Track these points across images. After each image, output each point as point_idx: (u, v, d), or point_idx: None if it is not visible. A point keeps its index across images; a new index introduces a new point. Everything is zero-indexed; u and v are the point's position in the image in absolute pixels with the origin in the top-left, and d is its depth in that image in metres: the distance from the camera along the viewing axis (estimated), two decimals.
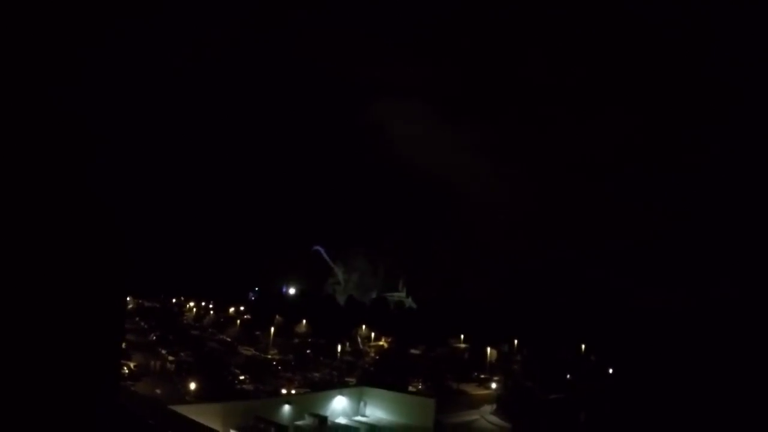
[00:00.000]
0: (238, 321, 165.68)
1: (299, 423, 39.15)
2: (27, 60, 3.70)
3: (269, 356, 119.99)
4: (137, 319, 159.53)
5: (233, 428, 34.56)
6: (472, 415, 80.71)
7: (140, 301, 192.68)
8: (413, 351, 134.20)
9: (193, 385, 78.74)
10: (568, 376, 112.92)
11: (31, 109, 3.80)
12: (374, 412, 44.71)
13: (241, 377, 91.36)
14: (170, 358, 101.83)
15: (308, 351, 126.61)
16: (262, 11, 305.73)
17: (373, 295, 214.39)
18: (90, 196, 3.88)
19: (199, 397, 71.29)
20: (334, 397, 44.47)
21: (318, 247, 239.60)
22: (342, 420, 42.72)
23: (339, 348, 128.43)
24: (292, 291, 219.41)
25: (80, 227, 3.86)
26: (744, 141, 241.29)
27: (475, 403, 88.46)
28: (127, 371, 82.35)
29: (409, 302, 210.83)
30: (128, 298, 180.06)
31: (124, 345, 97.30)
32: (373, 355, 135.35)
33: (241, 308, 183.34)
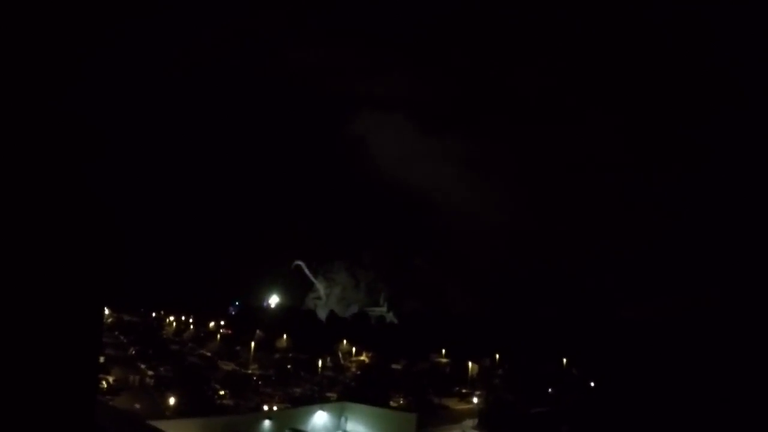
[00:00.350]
0: (219, 335, 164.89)
1: None
2: (27, 60, 3.59)
3: (249, 371, 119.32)
4: (116, 333, 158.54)
5: None
6: (454, 430, 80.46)
7: (119, 315, 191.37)
8: (394, 366, 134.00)
9: (172, 400, 78.06)
10: (550, 389, 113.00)
11: (31, 109, 3.67)
12: (355, 428, 44.42)
13: (221, 392, 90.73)
14: (149, 372, 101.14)
15: (289, 366, 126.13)
16: (247, 22, 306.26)
17: (354, 310, 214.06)
18: (84, 198, 3.76)
19: (178, 413, 70.60)
20: (314, 412, 44.14)
21: (299, 262, 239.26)
22: None
23: (320, 363, 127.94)
24: (273, 305, 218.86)
25: (61, 231, 3.73)
26: (738, 146, 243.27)
27: (457, 417, 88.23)
28: (105, 386, 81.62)
29: (390, 317, 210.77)
30: (107, 312, 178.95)
31: (102, 359, 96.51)
32: (354, 370, 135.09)
33: (222, 322, 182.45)
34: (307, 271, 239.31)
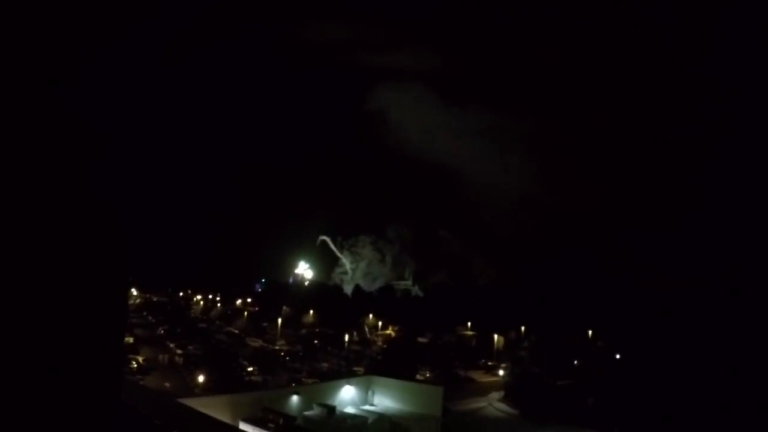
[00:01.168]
0: (246, 313, 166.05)
1: (308, 413, 39.30)
2: (27, 60, 3.72)
3: (277, 347, 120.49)
4: (145, 313, 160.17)
5: (242, 420, 34.72)
6: (480, 402, 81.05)
7: (147, 295, 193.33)
8: (420, 339, 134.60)
9: (201, 378, 79.13)
10: (576, 362, 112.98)
11: (31, 109, 3.82)
12: (382, 401, 44.88)
13: (249, 369, 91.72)
14: (178, 351, 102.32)
15: (316, 341, 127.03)
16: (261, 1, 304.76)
17: (380, 284, 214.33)
18: (89, 192, 3.90)
19: (207, 390, 71.65)
20: (342, 386, 44.62)
21: (324, 237, 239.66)
22: (350, 409, 42.88)
23: (346, 338, 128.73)
24: (305, 277, 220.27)
25: (79, 222, 3.88)
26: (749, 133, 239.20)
27: (483, 390, 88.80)
28: (135, 365, 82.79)
29: (415, 290, 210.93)
30: (135, 293, 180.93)
31: (132, 340, 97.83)
32: (380, 344, 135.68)
33: (248, 300, 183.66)
34: (332, 246, 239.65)
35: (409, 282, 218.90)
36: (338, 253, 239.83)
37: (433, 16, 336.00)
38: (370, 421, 40.80)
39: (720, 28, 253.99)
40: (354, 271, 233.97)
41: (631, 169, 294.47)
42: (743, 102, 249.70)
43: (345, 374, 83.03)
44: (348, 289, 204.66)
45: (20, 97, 3.65)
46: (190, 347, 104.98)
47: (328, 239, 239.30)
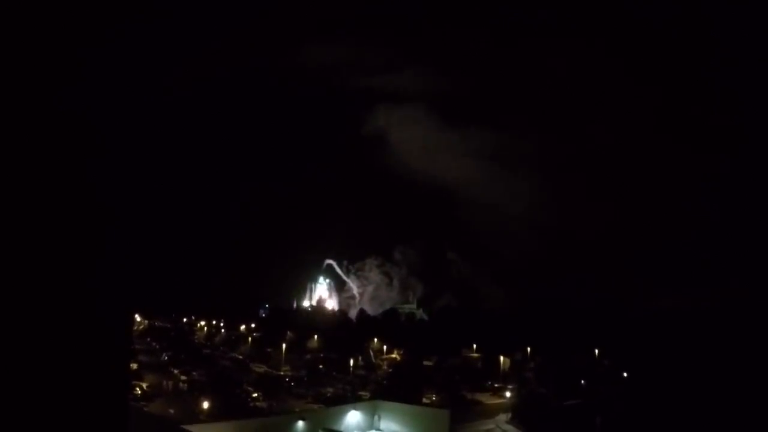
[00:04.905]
0: (250, 338, 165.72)
1: None
2: (27, 59, 3.67)
3: (281, 373, 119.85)
4: (149, 339, 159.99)
5: None
6: (488, 425, 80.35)
7: (151, 321, 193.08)
8: (426, 362, 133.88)
9: (206, 404, 78.57)
10: (582, 381, 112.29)
11: (31, 109, 3.76)
12: (389, 426, 44.48)
13: (254, 395, 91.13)
14: (183, 377, 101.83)
15: (320, 366, 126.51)
16: (263, 21, 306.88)
17: (385, 308, 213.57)
18: (94, 202, 3.83)
19: (212, 416, 71.08)
20: (347, 411, 44.23)
21: (330, 261, 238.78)
22: None
23: (351, 362, 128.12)
24: (303, 305, 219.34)
25: (82, 233, 3.80)
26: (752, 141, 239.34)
27: (490, 412, 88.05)
28: (140, 392, 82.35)
29: (420, 314, 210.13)
30: (139, 319, 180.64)
31: (136, 366, 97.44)
32: (385, 368, 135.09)
33: (252, 325, 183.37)
34: (339, 270, 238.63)
35: (414, 305, 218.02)
36: (345, 278, 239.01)
37: (433, 37, 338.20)
38: None
39: (726, 44, 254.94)
40: (362, 295, 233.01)
41: (637, 187, 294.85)
42: (751, 117, 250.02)
43: (351, 399, 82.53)
44: (353, 313, 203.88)
45: (22, 98, 3.61)
46: (195, 373, 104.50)
47: (334, 263, 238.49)
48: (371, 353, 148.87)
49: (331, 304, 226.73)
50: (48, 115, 4.11)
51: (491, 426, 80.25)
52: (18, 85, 4.01)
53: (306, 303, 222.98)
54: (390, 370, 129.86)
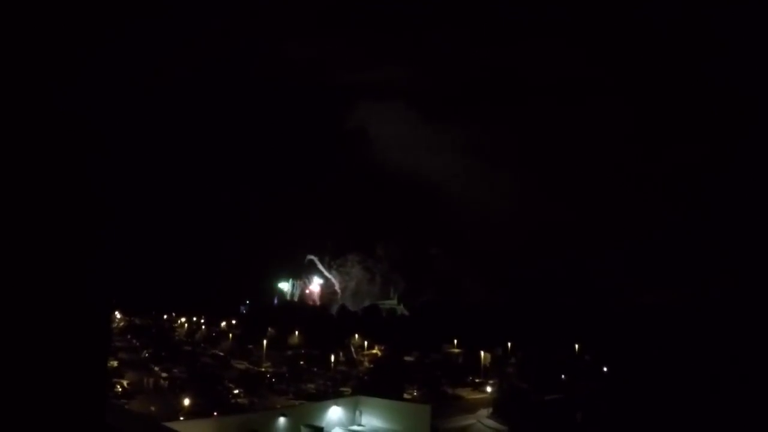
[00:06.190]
0: (231, 335, 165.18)
1: None
2: (27, 59, 3.62)
3: (263, 369, 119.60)
4: (129, 336, 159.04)
5: None
6: (469, 420, 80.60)
7: (131, 318, 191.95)
8: (407, 358, 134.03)
9: (187, 401, 78.31)
10: (563, 376, 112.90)
11: (31, 109, 3.70)
12: (370, 421, 44.46)
13: (235, 391, 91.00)
14: (163, 374, 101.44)
15: (302, 362, 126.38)
16: (244, 18, 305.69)
17: (366, 304, 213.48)
18: (87, 199, 3.79)
19: (193, 413, 70.79)
20: (329, 407, 44.15)
21: (312, 257, 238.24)
22: (338, 430, 42.45)
23: (333, 358, 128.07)
24: (284, 301, 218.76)
25: (70, 228, 3.75)
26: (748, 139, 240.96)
27: (471, 407, 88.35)
28: (120, 389, 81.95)
29: (401, 309, 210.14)
30: (119, 316, 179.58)
31: (116, 363, 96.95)
32: (367, 363, 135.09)
33: (233, 322, 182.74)
34: (320, 266, 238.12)
35: (395, 301, 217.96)
36: (326, 273, 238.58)
37: (416, 32, 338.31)
38: None
39: (711, 41, 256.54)
40: (343, 291, 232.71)
41: (619, 182, 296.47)
42: (739, 112, 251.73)
43: (332, 395, 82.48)
44: (335, 309, 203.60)
45: (21, 98, 3.55)
46: (175, 370, 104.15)
47: (315, 259, 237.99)
48: (353, 349, 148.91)
49: (313, 300, 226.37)
50: (46, 113, 4.05)
51: (472, 421, 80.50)
52: (18, 84, 3.96)
53: (287, 299, 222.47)
54: (371, 365, 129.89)
